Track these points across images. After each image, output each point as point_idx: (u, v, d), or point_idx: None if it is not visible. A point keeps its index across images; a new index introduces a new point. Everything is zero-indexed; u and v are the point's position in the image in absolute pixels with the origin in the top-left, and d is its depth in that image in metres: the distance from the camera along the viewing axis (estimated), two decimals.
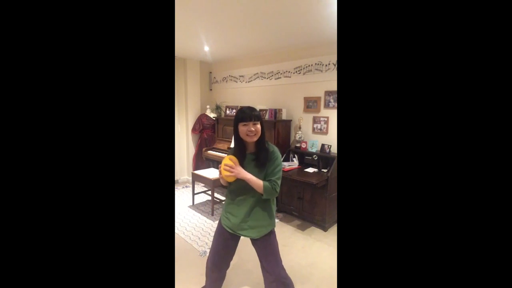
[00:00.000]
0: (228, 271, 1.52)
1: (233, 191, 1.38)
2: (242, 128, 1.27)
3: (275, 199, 1.41)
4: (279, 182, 1.30)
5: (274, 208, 1.41)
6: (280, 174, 1.32)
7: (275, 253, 1.38)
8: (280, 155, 1.35)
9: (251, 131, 1.26)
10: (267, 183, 1.27)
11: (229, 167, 1.26)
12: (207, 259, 1.47)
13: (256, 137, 1.29)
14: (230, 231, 1.39)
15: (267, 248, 1.37)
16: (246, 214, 1.34)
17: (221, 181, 1.40)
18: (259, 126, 1.29)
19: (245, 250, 2.10)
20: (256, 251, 1.42)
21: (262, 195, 1.29)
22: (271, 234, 1.39)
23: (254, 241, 1.41)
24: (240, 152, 1.33)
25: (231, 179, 1.29)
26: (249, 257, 2.16)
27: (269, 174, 1.30)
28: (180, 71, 4.16)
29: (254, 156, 1.32)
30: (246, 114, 1.27)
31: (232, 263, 1.51)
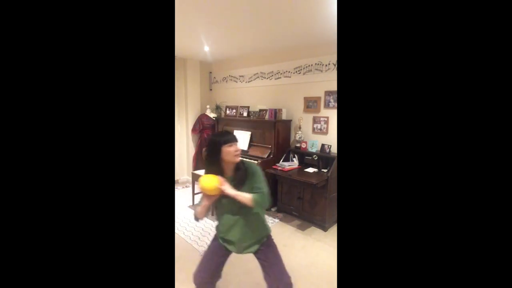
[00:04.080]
0: (228, 271, 1.51)
1: (221, 214, 1.35)
2: (229, 149, 1.25)
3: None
4: (266, 192, 1.27)
5: (264, 213, 1.42)
6: (265, 184, 1.29)
7: (278, 258, 1.37)
8: (258, 168, 1.32)
9: (238, 149, 1.27)
10: (255, 195, 1.24)
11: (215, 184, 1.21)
12: (194, 274, 1.41)
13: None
14: (229, 251, 1.39)
15: (269, 256, 1.36)
16: (242, 234, 1.33)
17: (198, 212, 1.32)
18: None
19: None
20: (259, 262, 1.39)
21: (252, 209, 1.27)
22: (269, 239, 1.40)
23: (255, 254, 1.39)
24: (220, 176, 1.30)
25: (214, 192, 1.23)
26: (249, 257, 2.13)
27: (254, 189, 1.27)
28: (180, 71, 4.16)
29: (232, 178, 1.30)
30: (230, 136, 1.28)
31: (232, 263, 1.50)
